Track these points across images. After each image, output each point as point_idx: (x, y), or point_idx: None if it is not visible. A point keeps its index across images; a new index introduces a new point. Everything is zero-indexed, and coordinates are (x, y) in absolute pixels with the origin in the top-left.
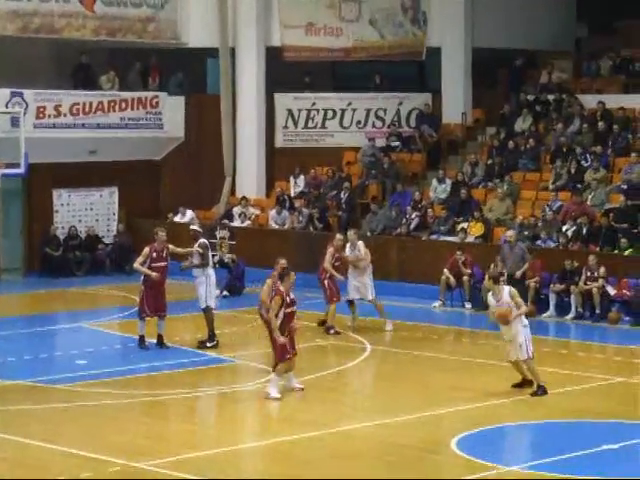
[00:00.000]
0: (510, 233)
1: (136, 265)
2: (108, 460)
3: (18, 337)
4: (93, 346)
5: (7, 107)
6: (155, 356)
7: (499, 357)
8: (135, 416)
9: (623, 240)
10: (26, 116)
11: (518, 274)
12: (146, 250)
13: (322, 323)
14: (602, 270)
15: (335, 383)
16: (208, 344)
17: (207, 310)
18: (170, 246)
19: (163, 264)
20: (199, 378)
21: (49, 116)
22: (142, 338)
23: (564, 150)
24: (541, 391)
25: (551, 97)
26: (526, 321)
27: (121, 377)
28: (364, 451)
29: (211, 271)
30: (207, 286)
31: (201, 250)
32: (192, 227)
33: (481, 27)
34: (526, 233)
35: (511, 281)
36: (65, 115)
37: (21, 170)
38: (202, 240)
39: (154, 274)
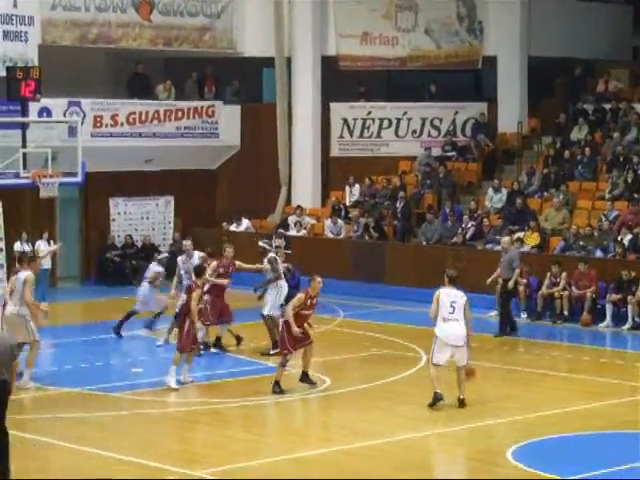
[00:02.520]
0: (505, 239)
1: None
2: (164, 468)
3: (74, 345)
4: (149, 354)
5: (65, 116)
6: (211, 364)
7: (555, 368)
8: (191, 424)
9: None
10: (83, 125)
11: (510, 285)
12: (214, 264)
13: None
14: None
15: (390, 393)
16: (271, 352)
17: (271, 318)
18: (237, 262)
19: (227, 281)
20: (255, 387)
21: (106, 125)
22: (218, 339)
23: (621, 159)
24: (433, 400)
25: (607, 106)
26: (437, 327)
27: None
28: (419, 461)
29: (283, 282)
30: (276, 296)
31: (269, 265)
32: (260, 243)
33: (537, 36)
34: (582, 243)
35: (503, 285)
36: (122, 124)
37: (78, 179)
38: (271, 254)
39: (225, 281)
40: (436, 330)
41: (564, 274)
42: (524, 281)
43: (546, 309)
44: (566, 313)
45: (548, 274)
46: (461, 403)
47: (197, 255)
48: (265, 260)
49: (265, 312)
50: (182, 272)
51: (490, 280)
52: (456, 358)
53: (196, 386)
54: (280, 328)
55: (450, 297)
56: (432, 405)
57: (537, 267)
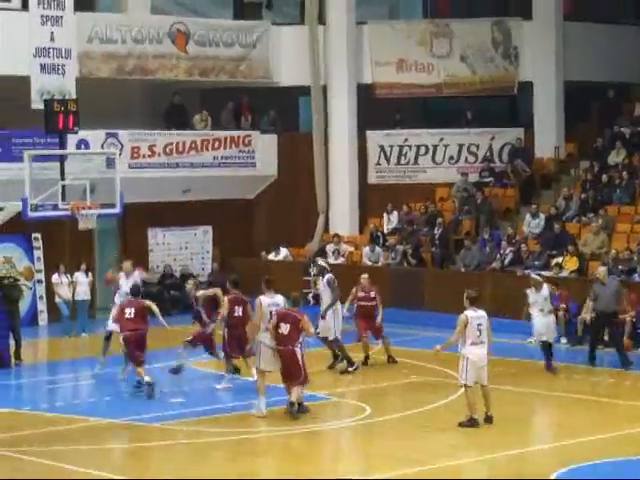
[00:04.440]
0: (601, 270)
1: None
2: None
3: (114, 376)
4: (189, 384)
5: (102, 148)
6: (250, 394)
7: (596, 393)
8: (231, 454)
9: None
10: (121, 157)
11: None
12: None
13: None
14: None
15: (430, 420)
16: (350, 369)
17: (335, 341)
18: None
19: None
20: (295, 416)
21: (144, 156)
22: None
23: None
24: (467, 423)
25: None
26: (467, 350)
27: (217, 415)
28: None
29: (339, 304)
30: (335, 318)
31: (328, 286)
32: (320, 262)
33: (573, 60)
34: (621, 267)
35: (605, 318)
36: (159, 155)
37: (117, 210)
38: (329, 275)
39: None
40: (465, 353)
41: None
42: (563, 306)
43: (586, 334)
44: (606, 338)
45: (588, 299)
46: (489, 420)
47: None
48: (322, 280)
49: (331, 337)
50: None
51: (590, 317)
52: (480, 377)
53: (233, 416)
54: (301, 358)
55: (477, 320)
56: (464, 425)
57: (576, 292)
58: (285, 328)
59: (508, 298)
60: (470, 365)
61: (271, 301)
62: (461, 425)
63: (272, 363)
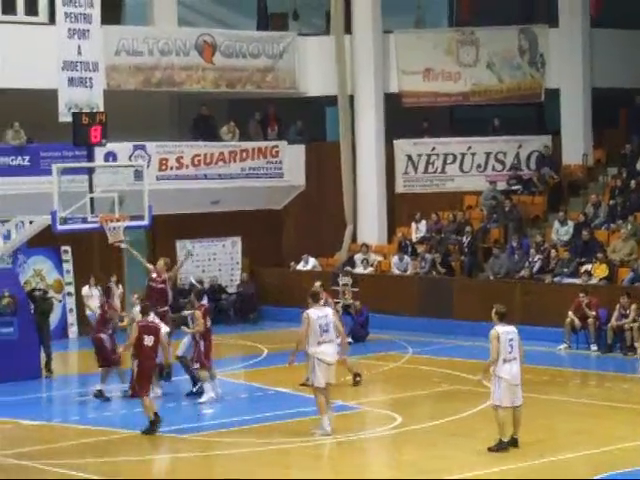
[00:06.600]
0: None
1: None
2: None
3: None
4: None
5: (130, 160)
6: (280, 404)
7: (627, 400)
8: (261, 465)
9: None
10: (149, 169)
11: None
12: None
13: None
14: None
15: (462, 428)
16: (194, 389)
17: (181, 358)
18: None
19: None
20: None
21: (171, 168)
22: None
23: None
24: (496, 447)
25: None
26: (500, 369)
27: (247, 426)
28: None
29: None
30: (186, 336)
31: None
32: (192, 280)
33: (600, 67)
34: None
35: None
36: (187, 166)
37: (145, 222)
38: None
39: None
40: (498, 372)
41: (633, 306)
42: (593, 313)
43: (616, 341)
44: (637, 345)
45: (617, 306)
46: (514, 443)
47: None
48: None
49: (180, 353)
50: None
51: None
52: (514, 398)
53: (263, 426)
54: None
55: (508, 336)
56: (493, 450)
57: (606, 299)
58: (149, 340)
59: (537, 306)
60: (505, 385)
61: (321, 314)
62: (490, 450)
63: (329, 376)
